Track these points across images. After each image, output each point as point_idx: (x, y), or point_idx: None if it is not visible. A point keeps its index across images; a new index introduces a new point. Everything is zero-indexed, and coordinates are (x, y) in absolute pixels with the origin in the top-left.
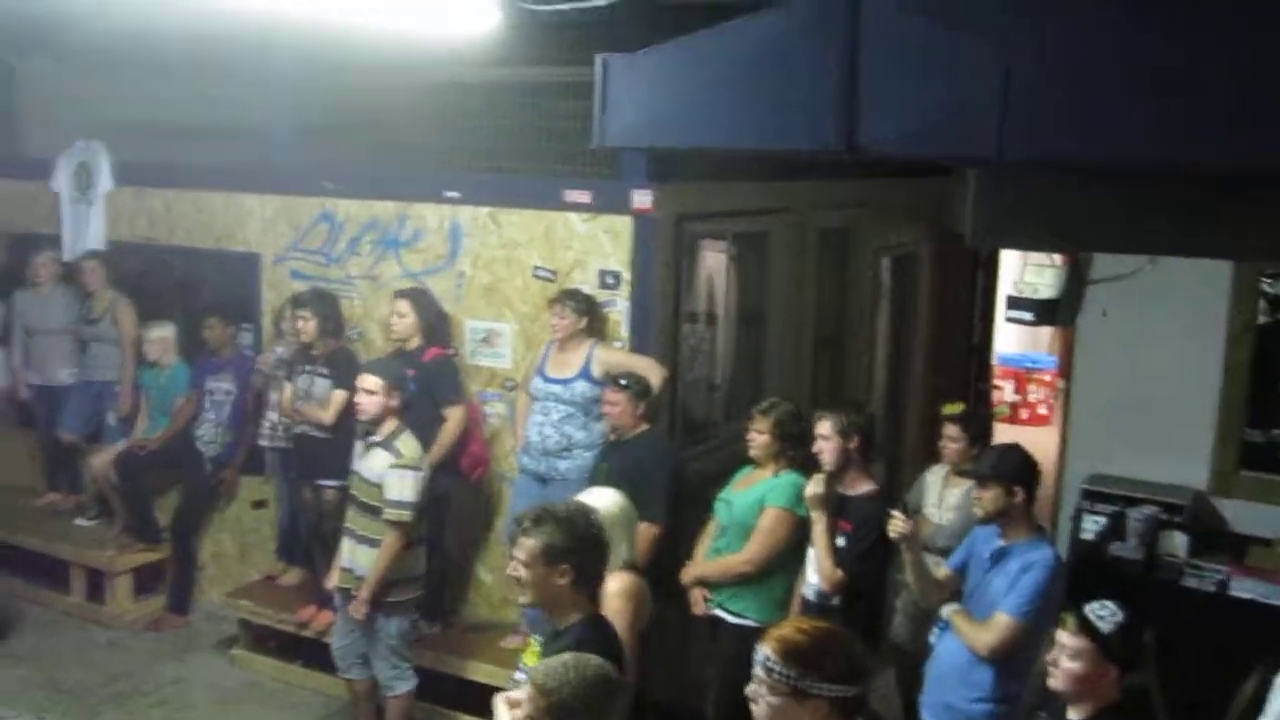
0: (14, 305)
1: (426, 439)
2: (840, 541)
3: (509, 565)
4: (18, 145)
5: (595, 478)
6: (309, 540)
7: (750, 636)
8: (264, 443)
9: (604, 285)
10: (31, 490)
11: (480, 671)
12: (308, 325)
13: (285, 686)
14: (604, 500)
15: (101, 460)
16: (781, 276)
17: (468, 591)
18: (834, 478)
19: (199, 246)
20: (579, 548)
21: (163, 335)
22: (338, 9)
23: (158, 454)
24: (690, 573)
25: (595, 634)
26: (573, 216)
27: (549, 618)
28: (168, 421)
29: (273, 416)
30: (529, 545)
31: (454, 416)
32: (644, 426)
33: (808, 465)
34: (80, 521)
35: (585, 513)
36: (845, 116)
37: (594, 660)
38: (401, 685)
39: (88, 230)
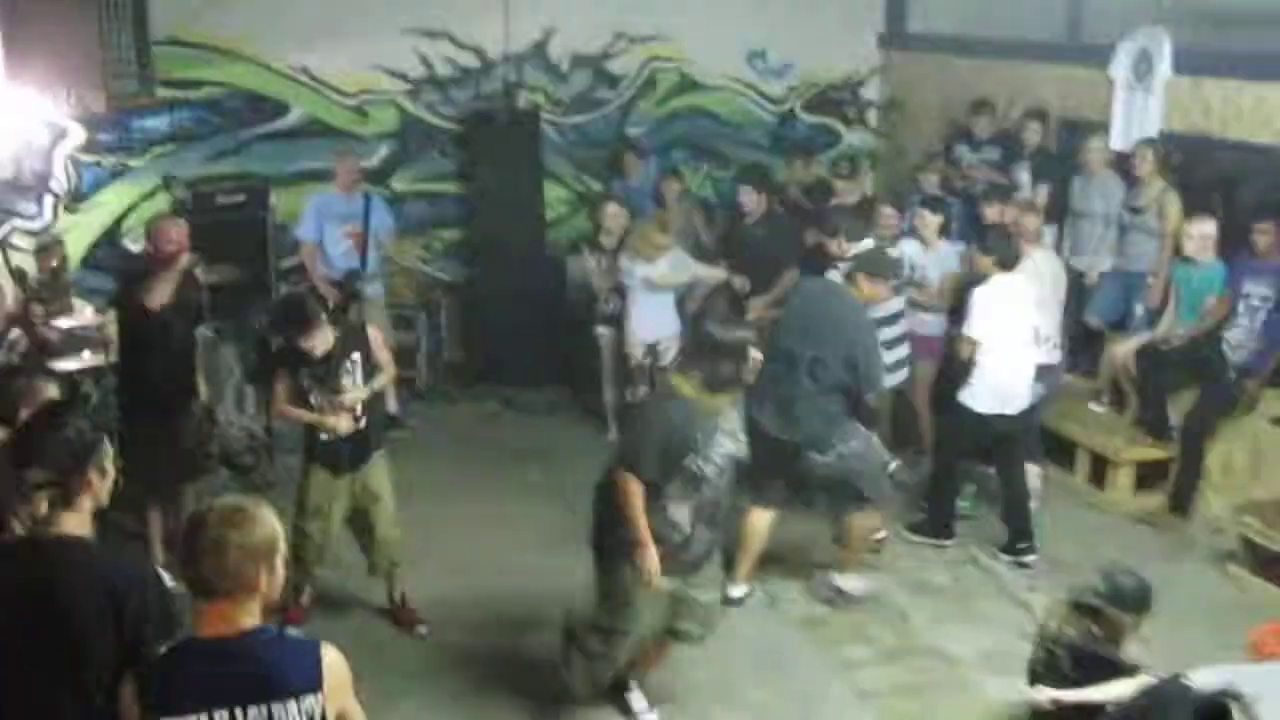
0: (1067, 189)
1: None
2: None
3: None
4: (1079, 30)
5: None
6: None
7: None
8: None
9: None
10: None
11: None
12: None
13: None
14: None
15: (1123, 350)
16: None
17: None
18: None
19: (1254, 141)
20: None
21: (1204, 231)
22: None
23: (1180, 351)
24: None
25: None
26: None
27: None
28: (1195, 319)
29: None
30: None
31: None
32: None
33: None
34: (1093, 406)
35: None
36: None
37: None
38: None
39: (1143, 118)
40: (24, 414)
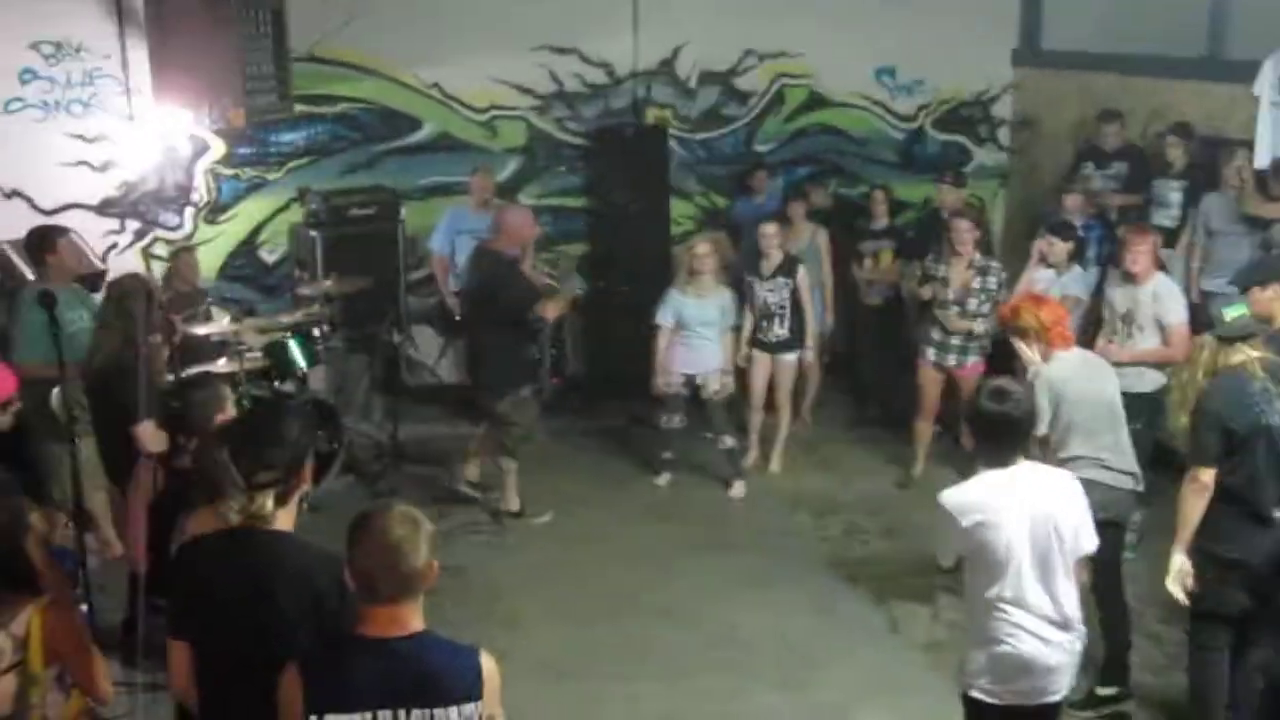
0: (1202, 207)
1: None
2: None
3: None
4: (1221, 47)
5: None
6: None
7: None
8: None
9: None
10: None
11: None
12: None
13: None
14: None
15: None
16: None
17: None
18: None
19: None
20: None
21: None
22: None
23: None
24: None
25: None
26: None
27: None
28: None
29: None
30: None
31: None
32: None
33: None
34: None
35: None
36: None
37: None
38: None
39: None
40: (217, 420)
